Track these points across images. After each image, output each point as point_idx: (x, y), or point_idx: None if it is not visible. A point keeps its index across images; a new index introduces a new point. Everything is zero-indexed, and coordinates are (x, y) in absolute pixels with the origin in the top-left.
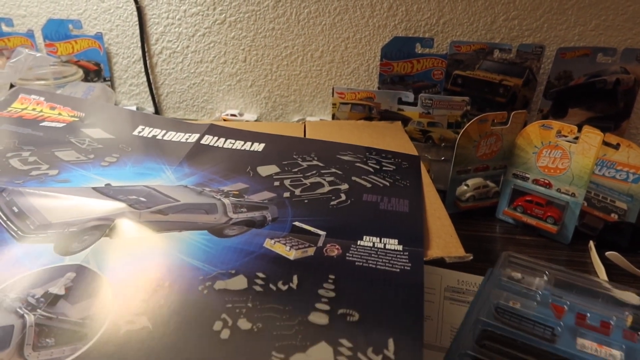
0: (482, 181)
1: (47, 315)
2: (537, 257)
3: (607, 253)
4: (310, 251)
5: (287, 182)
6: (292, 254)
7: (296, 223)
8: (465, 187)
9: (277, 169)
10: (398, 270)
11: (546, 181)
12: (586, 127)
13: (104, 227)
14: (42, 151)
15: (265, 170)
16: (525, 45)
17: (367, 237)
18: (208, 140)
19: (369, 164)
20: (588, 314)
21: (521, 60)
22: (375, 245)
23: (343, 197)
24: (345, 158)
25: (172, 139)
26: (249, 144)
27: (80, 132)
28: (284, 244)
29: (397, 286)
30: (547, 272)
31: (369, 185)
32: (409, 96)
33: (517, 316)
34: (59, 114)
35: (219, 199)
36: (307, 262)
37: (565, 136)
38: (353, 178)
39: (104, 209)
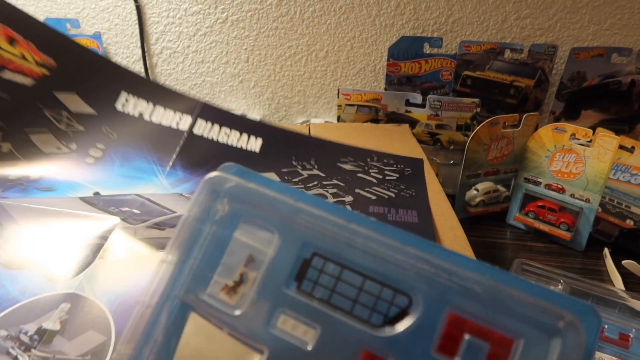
0: (492, 185)
1: (43, 356)
2: (549, 265)
3: (623, 262)
4: None
5: None
6: None
7: None
8: (475, 192)
9: (277, 178)
10: None
11: (559, 186)
12: (601, 131)
13: (97, 248)
14: (14, 131)
15: None
16: (537, 45)
17: None
18: (201, 128)
19: (371, 173)
20: (606, 326)
21: (533, 60)
22: None
23: (349, 209)
24: (346, 167)
25: (162, 122)
26: (245, 137)
27: (53, 98)
28: None
29: None
30: (562, 281)
31: (373, 197)
32: (417, 97)
33: None
34: (23, 56)
35: None
36: None
37: (579, 139)
38: (356, 190)
39: (94, 224)
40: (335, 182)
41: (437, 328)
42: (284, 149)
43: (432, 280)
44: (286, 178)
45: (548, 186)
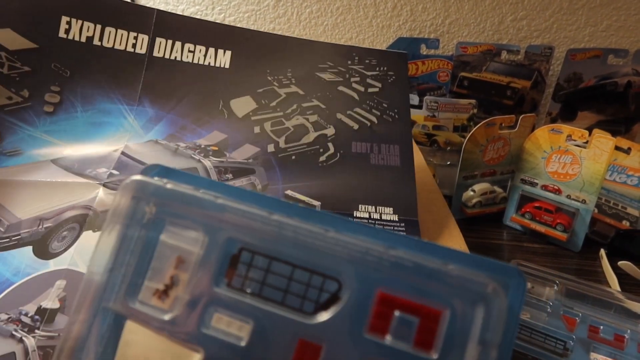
0: (489, 186)
1: (48, 335)
2: (546, 266)
3: (619, 262)
4: None
5: (267, 127)
6: None
7: (288, 192)
8: (472, 193)
9: (254, 104)
10: None
11: (555, 187)
12: (597, 132)
13: (82, 218)
14: None
15: (240, 105)
16: (533, 46)
17: (363, 207)
18: (161, 48)
19: (352, 82)
20: (601, 327)
21: (530, 61)
22: (372, 217)
23: (331, 149)
24: (326, 77)
25: (115, 47)
26: (212, 52)
27: None
28: None
29: None
30: (557, 282)
31: (355, 126)
32: (414, 99)
33: (528, 328)
34: None
35: (199, 160)
36: None
37: (575, 141)
38: (338, 116)
39: (76, 193)
40: (315, 102)
41: (367, 309)
42: (257, 60)
43: (358, 262)
44: (263, 102)
45: (544, 187)
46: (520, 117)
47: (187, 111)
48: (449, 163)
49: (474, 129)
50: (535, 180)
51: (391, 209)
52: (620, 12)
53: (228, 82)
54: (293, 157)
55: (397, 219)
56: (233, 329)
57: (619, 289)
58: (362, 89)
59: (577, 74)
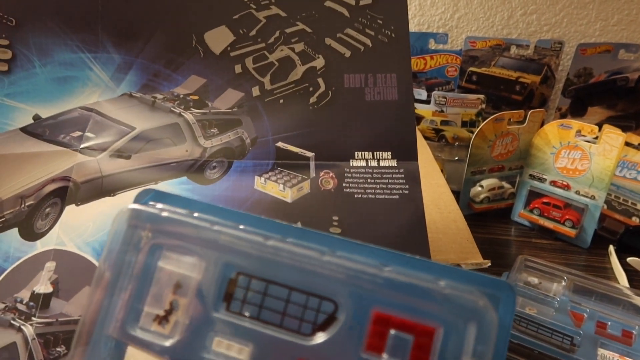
0: (497, 182)
1: (46, 322)
2: (554, 262)
3: (628, 259)
4: (306, 186)
5: (249, 64)
6: (288, 195)
7: (279, 144)
8: (480, 188)
9: (231, 35)
10: (397, 196)
11: (564, 183)
12: (607, 127)
13: (62, 192)
14: None
15: (216, 39)
16: (543, 41)
17: (359, 154)
18: None
19: None
20: (609, 323)
21: (539, 56)
22: (370, 164)
23: (322, 86)
24: None
25: None
26: None
27: None
28: (276, 182)
29: (399, 220)
30: (565, 278)
31: (347, 53)
32: (422, 94)
33: (535, 324)
34: None
35: (180, 114)
36: (306, 204)
37: (585, 136)
38: (327, 42)
39: (52, 163)
40: (300, 26)
41: (364, 328)
42: None
43: (353, 283)
44: (241, 32)
45: (553, 183)
46: (529, 112)
47: (157, 53)
48: (457, 158)
49: (483, 124)
50: (544, 176)
51: (390, 153)
52: (632, 6)
53: (198, 8)
54: (281, 101)
55: (395, 165)
56: (233, 352)
57: (627, 285)
58: (352, 1)
59: (588, 69)
